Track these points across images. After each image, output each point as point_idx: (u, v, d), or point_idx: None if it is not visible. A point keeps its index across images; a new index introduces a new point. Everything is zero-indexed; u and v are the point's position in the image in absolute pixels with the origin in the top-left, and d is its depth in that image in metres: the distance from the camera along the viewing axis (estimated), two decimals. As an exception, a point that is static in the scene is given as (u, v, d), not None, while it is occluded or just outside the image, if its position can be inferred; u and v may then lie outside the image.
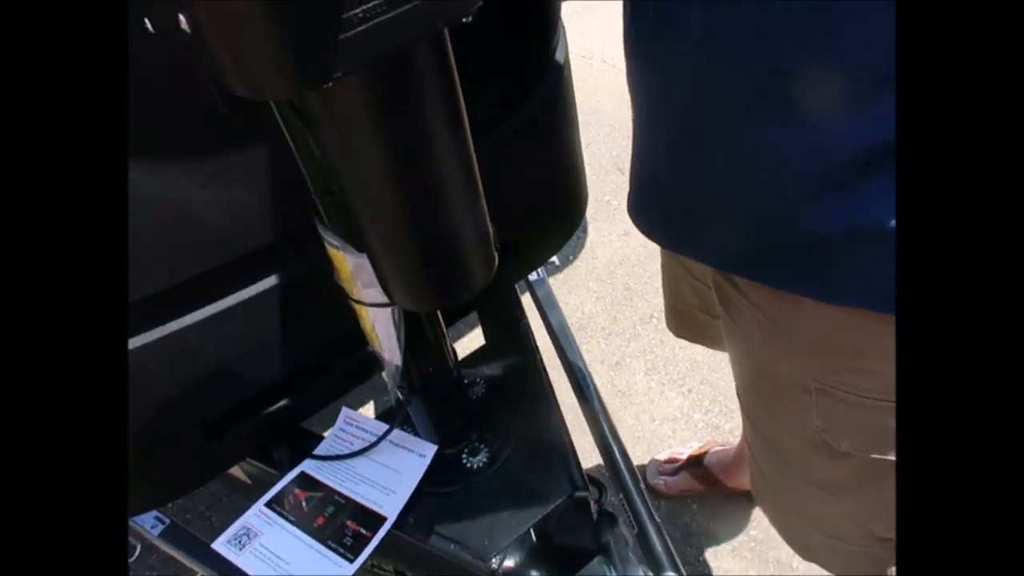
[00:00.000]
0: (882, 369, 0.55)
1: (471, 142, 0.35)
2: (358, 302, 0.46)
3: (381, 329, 0.48)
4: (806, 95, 0.44)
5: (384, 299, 0.45)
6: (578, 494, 0.54)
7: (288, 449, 0.63)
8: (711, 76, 0.50)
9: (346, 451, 0.62)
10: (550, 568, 0.57)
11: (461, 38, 0.32)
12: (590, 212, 1.95)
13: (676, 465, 1.32)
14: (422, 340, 0.50)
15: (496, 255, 0.40)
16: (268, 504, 0.58)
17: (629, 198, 0.71)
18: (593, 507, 0.60)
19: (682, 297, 0.86)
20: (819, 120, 0.45)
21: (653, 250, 1.81)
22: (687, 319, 0.90)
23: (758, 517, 1.28)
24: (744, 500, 1.30)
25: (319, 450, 0.62)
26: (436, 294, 0.38)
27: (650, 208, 0.66)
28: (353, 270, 0.44)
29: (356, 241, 0.41)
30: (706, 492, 1.29)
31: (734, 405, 1.45)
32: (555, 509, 0.55)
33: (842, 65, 0.43)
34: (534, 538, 0.57)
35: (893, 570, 0.68)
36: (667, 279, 0.90)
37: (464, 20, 0.29)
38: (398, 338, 0.48)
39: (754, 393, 0.71)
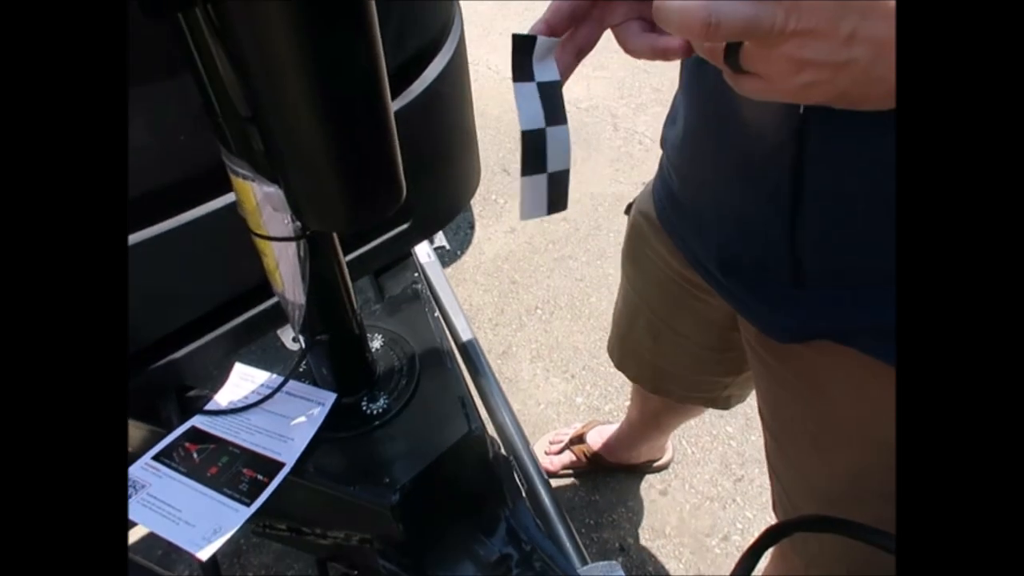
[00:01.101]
0: None
1: (384, 65, 0.37)
2: (262, 236, 0.47)
3: (285, 267, 0.49)
4: None
5: (290, 231, 0.46)
6: (475, 431, 0.57)
7: (177, 407, 0.61)
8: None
9: (240, 405, 0.61)
10: (450, 506, 0.60)
11: None
12: (477, 210, 2.00)
13: (560, 444, 1.38)
14: (325, 279, 0.51)
15: (404, 184, 0.43)
16: (155, 457, 0.57)
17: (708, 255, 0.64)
18: (489, 451, 0.63)
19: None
20: None
21: (537, 246, 1.90)
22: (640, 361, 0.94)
23: (636, 489, 1.37)
24: (622, 475, 1.38)
25: (210, 405, 0.61)
26: (348, 213, 0.40)
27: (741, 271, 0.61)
28: (260, 201, 0.45)
29: (263, 167, 0.42)
30: (588, 467, 1.36)
31: (612, 389, 1.54)
32: (453, 448, 0.57)
33: None
34: (434, 480, 0.59)
35: None
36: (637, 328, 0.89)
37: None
38: (302, 274, 0.49)
39: (830, 441, 0.64)
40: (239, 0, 0.32)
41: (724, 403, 0.95)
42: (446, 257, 1.85)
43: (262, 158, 0.42)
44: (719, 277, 0.64)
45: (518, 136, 0.44)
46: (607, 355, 1.64)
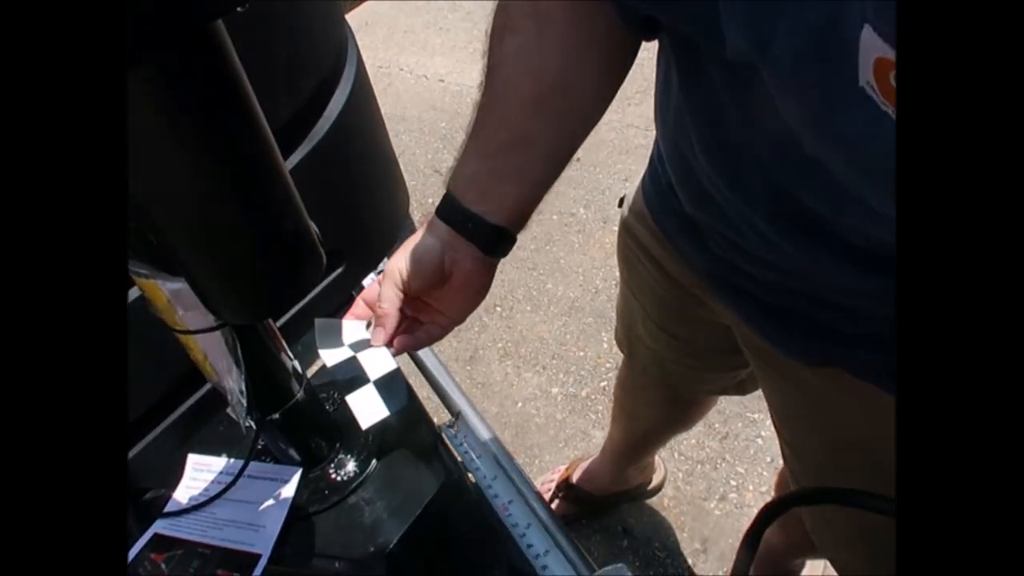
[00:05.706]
0: None
1: (272, 137, 0.34)
2: (182, 332, 0.43)
3: (214, 356, 0.45)
4: None
5: (210, 322, 0.42)
6: (454, 476, 0.55)
7: (133, 513, 0.57)
8: None
9: (201, 500, 0.57)
10: (443, 559, 0.57)
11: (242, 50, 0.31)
12: (416, 217, 1.95)
13: (547, 496, 1.30)
14: (262, 359, 0.48)
15: (323, 254, 0.40)
16: (121, 578, 0.52)
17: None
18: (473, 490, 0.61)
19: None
20: None
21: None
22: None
23: (626, 518, 1.32)
24: (619, 510, 1.32)
25: (170, 506, 0.57)
26: (265, 301, 0.37)
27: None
28: (170, 298, 0.41)
29: (167, 266, 0.38)
30: (581, 513, 1.29)
31: (585, 372, 1.53)
32: (434, 499, 0.55)
33: None
34: (421, 538, 0.56)
35: None
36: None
37: (239, 8, 0.28)
38: (236, 361, 0.45)
39: (843, 461, 0.62)
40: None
41: (738, 389, 0.89)
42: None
43: (160, 251, 0.38)
44: (723, 289, 0.60)
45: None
46: (574, 341, 1.63)
